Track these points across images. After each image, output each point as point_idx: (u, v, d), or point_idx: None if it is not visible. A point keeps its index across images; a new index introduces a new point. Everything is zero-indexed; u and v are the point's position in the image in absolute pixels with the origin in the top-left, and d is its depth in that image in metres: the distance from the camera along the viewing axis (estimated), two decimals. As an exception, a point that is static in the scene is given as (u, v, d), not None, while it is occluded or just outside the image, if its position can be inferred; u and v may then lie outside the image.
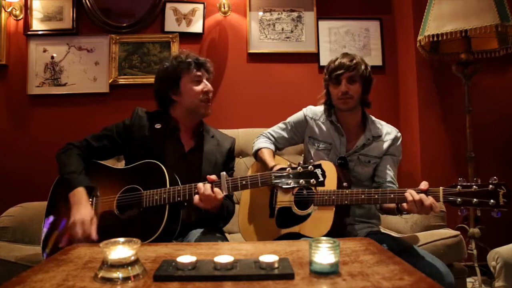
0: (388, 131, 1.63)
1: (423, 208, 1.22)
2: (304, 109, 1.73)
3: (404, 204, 1.27)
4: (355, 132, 1.62)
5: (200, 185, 1.31)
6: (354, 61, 1.55)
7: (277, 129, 1.76)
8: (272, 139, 1.74)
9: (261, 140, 1.74)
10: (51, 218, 1.43)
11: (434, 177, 2.42)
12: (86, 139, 1.54)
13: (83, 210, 1.32)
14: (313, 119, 1.68)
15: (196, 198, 1.30)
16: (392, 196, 1.32)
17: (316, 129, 1.66)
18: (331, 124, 1.63)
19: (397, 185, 1.57)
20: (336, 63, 1.57)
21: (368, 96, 1.62)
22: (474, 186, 1.16)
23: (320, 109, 1.69)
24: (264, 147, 1.68)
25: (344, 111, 1.60)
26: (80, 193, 1.36)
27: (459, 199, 1.18)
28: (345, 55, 1.59)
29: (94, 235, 1.28)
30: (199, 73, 1.56)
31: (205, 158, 1.56)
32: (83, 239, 1.27)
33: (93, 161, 1.54)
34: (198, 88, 1.55)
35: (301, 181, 1.22)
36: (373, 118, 1.67)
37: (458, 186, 1.19)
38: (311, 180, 1.22)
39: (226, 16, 2.72)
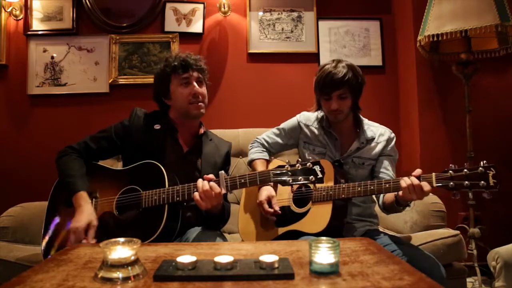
0: (382, 132, 1.64)
1: (415, 191, 1.24)
2: (297, 115, 1.73)
3: (400, 192, 1.29)
4: (348, 135, 1.63)
5: (200, 180, 1.30)
6: (346, 78, 1.48)
7: (271, 134, 1.77)
8: (266, 145, 1.75)
9: (255, 149, 1.75)
10: (52, 221, 1.43)
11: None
12: (84, 141, 1.53)
13: (81, 216, 1.31)
14: (306, 125, 1.68)
15: (196, 195, 1.28)
16: (387, 185, 1.34)
17: (310, 135, 1.67)
18: (323, 129, 1.64)
19: None
20: (328, 78, 1.50)
21: (358, 100, 1.60)
22: (465, 170, 1.21)
23: (313, 114, 1.70)
24: (257, 159, 1.69)
25: (335, 123, 1.61)
26: (81, 197, 1.36)
27: (451, 183, 1.21)
28: (336, 65, 1.52)
29: (89, 239, 1.28)
30: (186, 75, 1.52)
31: (204, 159, 1.55)
32: (75, 244, 1.26)
33: (92, 162, 1.54)
34: (186, 91, 1.51)
35: (299, 178, 1.22)
36: (366, 120, 1.67)
37: (450, 171, 1.23)
38: (310, 177, 1.21)
39: (226, 16, 2.72)
